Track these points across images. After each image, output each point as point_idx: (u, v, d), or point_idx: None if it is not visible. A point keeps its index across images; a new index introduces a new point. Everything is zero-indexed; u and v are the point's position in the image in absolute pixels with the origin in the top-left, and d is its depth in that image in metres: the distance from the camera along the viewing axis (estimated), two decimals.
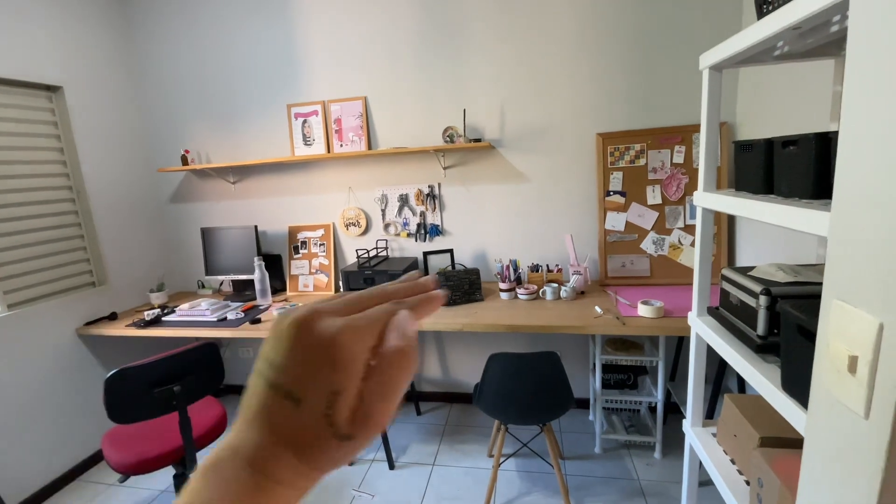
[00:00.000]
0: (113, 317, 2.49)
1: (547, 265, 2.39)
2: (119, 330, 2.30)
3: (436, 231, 2.62)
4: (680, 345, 2.42)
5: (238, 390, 3.14)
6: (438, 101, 2.46)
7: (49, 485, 2.21)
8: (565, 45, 2.28)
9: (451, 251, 2.53)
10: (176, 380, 1.64)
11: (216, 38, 2.65)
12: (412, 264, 2.47)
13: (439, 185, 2.57)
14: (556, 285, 2.19)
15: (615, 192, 2.34)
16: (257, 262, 2.47)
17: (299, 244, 2.78)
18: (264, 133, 2.71)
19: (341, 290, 2.45)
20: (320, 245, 2.75)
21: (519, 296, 2.21)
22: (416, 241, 2.65)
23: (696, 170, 2.26)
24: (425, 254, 2.51)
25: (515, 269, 2.30)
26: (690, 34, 2.17)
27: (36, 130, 2.27)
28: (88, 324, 2.41)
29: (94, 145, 2.51)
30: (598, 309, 1.96)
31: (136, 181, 2.79)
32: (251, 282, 2.53)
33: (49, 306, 2.26)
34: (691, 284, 1.30)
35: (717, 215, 2.20)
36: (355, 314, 0.25)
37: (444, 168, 2.53)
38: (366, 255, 2.47)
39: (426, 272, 2.49)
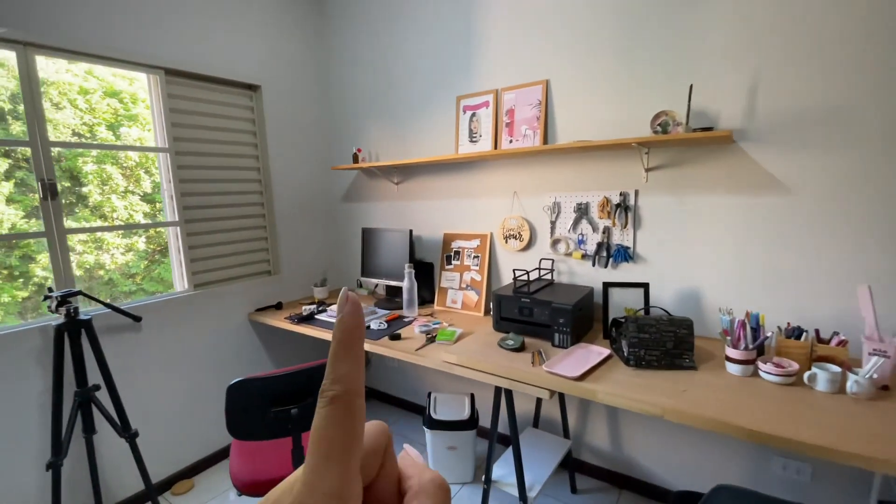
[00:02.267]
0: (279, 306, 2.58)
1: (817, 331, 1.47)
2: (277, 321, 2.33)
3: (624, 255, 1.94)
4: None
5: (376, 395, 3.02)
6: (646, 79, 1.79)
7: (201, 460, 2.34)
8: None
9: (645, 286, 1.82)
10: (295, 400, 1.44)
11: (394, 35, 2.52)
12: (587, 295, 1.85)
13: (636, 192, 1.89)
14: (836, 369, 1.29)
15: None
16: (407, 270, 2.23)
17: (452, 254, 2.45)
18: (431, 130, 2.47)
19: (491, 313, 1.99)
20: (474, 257, 2.36)
21: (762, 373, 1.39)
22: (595, 265, 2.03)
23: None
24: (606, 285, 1.87)
25: (756, 329, 1.47)
26: None
27: (239, 127, 2.47)
28: (258, 310, 2.54)
29: (281, 142, 2.65)
30: None
31: (313, 178, 2.88)
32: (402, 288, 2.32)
33: (231, 289, 2.43)
34: None
35: None
36: None
37: (647, 170, 1.84)
38: (524, 277, 1.96)
39: (605, 309, 1.84)
